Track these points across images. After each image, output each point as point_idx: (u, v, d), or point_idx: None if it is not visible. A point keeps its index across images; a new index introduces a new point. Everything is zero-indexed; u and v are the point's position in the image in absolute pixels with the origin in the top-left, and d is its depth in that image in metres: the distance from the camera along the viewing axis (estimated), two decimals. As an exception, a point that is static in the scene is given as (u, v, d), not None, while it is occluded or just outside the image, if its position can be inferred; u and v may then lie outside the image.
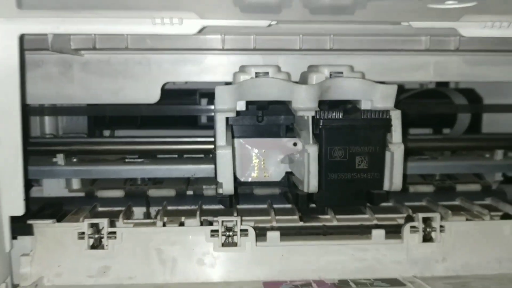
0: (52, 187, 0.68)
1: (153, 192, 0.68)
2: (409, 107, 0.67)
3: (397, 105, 0.60)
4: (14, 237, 0.52)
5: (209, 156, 0.65)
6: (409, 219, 0.56)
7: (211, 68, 0.65)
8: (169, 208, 0.62)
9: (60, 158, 0.65)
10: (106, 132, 0.84)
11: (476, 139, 0.72)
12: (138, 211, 0.64)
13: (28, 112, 0.72)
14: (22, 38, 0.47)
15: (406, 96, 0.75)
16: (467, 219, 0.57)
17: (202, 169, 0.65)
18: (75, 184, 0.69)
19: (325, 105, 0.60)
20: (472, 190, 0.68)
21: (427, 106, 0.71)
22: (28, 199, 0.51)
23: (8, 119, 0.47)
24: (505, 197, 0.67)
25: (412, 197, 0.66)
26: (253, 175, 0.61)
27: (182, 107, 0.74)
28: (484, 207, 0.61)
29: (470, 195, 0.66)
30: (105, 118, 0.78)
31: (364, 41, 0.64)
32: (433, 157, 0.69)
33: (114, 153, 0.69)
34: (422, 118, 0.82)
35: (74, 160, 0.67)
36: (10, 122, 0.48)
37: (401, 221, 0.58)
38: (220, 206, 0.62)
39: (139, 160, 0.69)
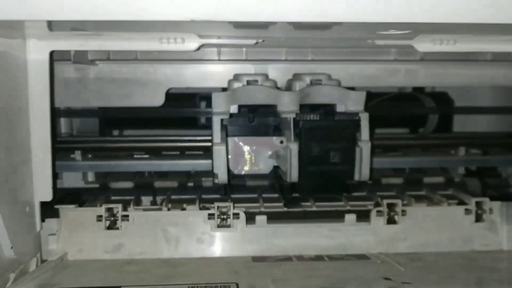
0: (71, 180, 0.76)
1: (158, 184, 0.76)
2: (380, 109, 0.77)
3: (372, 107, 0.70)
4: (43, 219, 0.60)
5: (207, 152, 0.73)
6: (377, 205, 0.66)
7: (208, 76, 0.74)
8: (173, 197, 0.71)
9: (78, 154, 0.73)
10: (115, 132, 0.93)
11: (442, 137, 0.81)
12: (146, 199, 0.72)
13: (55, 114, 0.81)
14: (52, 53, 0.56)
15: (383, 99, 0.84)
16: (427, 205, 0.67)
17: (201, 164, 0.74)
18: (90, 177, 0.77)
19: (306, 108, 0.69)
20: (437, 182, 0.77)
21: (396, 108, 0.80)
22: (55, 187, 0.60)
23: (40, 120, 0.56)
24: (466, 188, 0.76)
25: (384, 188, 0.75)
26: (245, 168, 0.70)
27: (184, 109, 0.82)
28: (446, 196, 0.70)
29: (435, 186, 0.76)
30: (115, 119, 0.87)
31: (341, 52, 0.74)
32: (404, 153, 0.78)
33: (124, 150, 0.77)
34: (401, 119, 0.91)
35: (90, 156, 0.76)
36: (42, 123, 0.57)
37: (372, 208, 0.68)
38: (217, 195, 0.72)
39: (146, 156, 0.77)
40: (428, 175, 0.77)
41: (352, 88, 0.73)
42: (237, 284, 0.49)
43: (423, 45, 0.57)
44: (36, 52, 0.55)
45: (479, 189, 0.74)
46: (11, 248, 0.52)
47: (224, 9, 0.40)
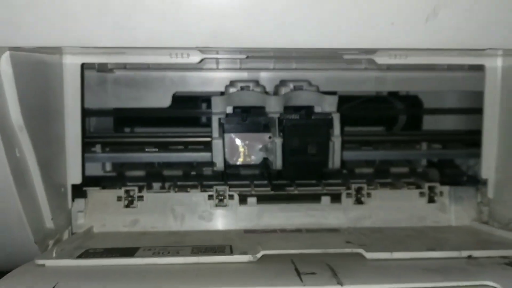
0: (92, 169, 0.89)
1: (166, 172, 0.88)
2: (354, 110, 0.90)
3: (346, 109, 0.83)
4: (73, 199, 0.73)
5: (208, 146, 0.86)
6: (348, 189, 0.79)
7: (208, 82, 0.86)
8: (179, 183, 0.83)
9: (98, 148, 0.87)
10: (127, 129, 1.06)
11: (409, 134, 0.94)
12: (156, 185, 0.84)
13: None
14: (83, 65, 0.70)
15: (360, 101, 0.97)
16: (389, 189, 0.81)
17: (202, 156, 0.85)
18: (108, 167, 0.90)
19: (291, 108, 0.83)
20: (402, 172, 0.90)
21: (367, 109, 0.93)
22: (84, 173, 0.74)
23: (73, 119, 0.70)
24: (428, 177, 0.89)
25: (356, 176, 0.87)
26: (239, 159, 0.83)
27: (187, 110, 0.94)
28: (407, 183, 0.83)
29: (400, 175, 0.89)
30: (128, 118, 1.00)
31: (320, 62, 0.88)
32: (375, 147, 0.91)
33: (136, 144, 0.90)
34: (378, 119, 1.04)
35: (107, 149, 0.89)
36: (74, 121, 0.70)
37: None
38: (215, 181, 0.85)
39: (155, 149, 0.88)
40: (395, 166, 0.91)
41: (334, 93, 0.87)
42: (230, 246, 0.63)
43: (382, 58, 0.70)
44: (71, 65, 0.68)
45: (438, 177, 0.87)
46: (52, 219, 0.66)
47: (220, 38, 0.53)
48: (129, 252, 0.61)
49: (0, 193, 0.57)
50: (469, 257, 0.59)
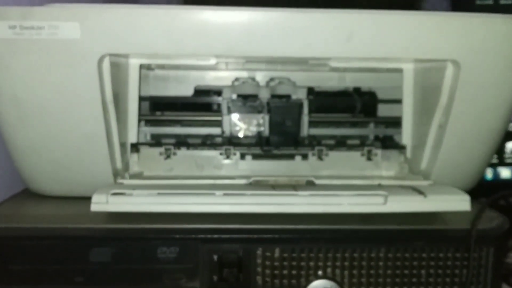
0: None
1: (190, 140, 1.23)
2: (321, 99, 1.27)
3: (316, 98, 1.21)
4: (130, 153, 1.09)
5: (219, 123, 1.21)
6: (313, 151, 1.16)
7: (220, 78, 1.19)
8: (199, 148, 1.22)
9: (142, 124, 1.25)
10: (158, 112, 1.43)
11: (361, 118, 1.32)
12: (183, 148, 1.24)
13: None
14: (140, 65, 1.07)
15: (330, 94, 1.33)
16: (341, 151, 1.17)
17: (215, 130, 1.17)
18: (148, 136, 1.29)
19: (276, 96, 1.20)
20: (354, 143, 1.27)
21: (331, 99, 1.30)
22: (138, 135, 1.11)
23: (133, 101, 1.08)
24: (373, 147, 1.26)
25: (322, 145, 1.25)
26: (241, 132, 1.22)
27: (204, 98, 1.19)
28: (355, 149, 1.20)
29: (353, 146, 1.26)
30: (161, 104, 1.37)
31: (298, 65, 1.25)
32: (337, 126, 1.28)
33: (168, 122, 1.27)
34: (346, 107, 1.40)
35: (148, 124, 1.27)
36: (134, 101, 1.08)
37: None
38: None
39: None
40: (350, 139, 1.28)
41: (312, 88, 1.25)
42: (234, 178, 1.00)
43: (333, 63, 1.07)
44: (133, 64, 1.05)
45: (379, 147, 1.24)
46: (121, 162, 1.04)
47: (230, 49, 0.90)
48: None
49: (96, 141, 0.94)
50: (379, 184, 0.97)
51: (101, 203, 0.76)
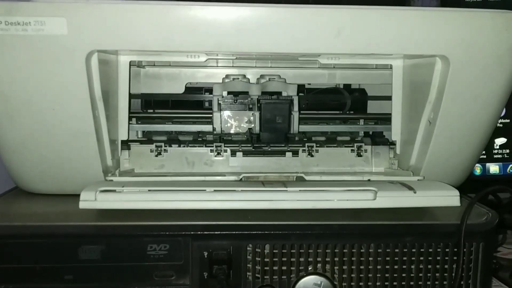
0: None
1: (181, 137, 1.25)
2: (312, 96, 1.28)
3: (307, 95, 1.21)
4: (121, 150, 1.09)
5: (210, 120, 1.21)
6: (303, 147, 1.17)
7: (211, 75, 1.15)
8: (190, 145, 1.22)
9: (133, 121, 1.24)
10: (150, 110, 1.42)
11: (352, 114, 1.32)
12: (174, 145, 1.23)
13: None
14: (130, 62, 1.07)
15: (319, 90, 1.34)
16: (331, 148, 1.17)
17: (206, 127, 1.16)
18: (139, 134, 1.28)
19: (266, 93, 1.20)
20: (345, 140, 1.27)
21: (322, 97, 1.30)
22: (128, 133, 1.11)
23: (123, 98, 1.06)
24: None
25: (312, 141, 1.25)
26: (231, 129, 1.22)
27: (195, 95, 1.21)
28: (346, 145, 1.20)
29: (343, 142, 1.26)
30: (152, 101, 1.36)
31: (288, 62, 1.25)
32: (327, 123, 1.28)
33: (159, 119, 1.26)
34: (336, 104, 1.40)
35: (139, 122, 1.26)
36: (124, 99, 1.07)
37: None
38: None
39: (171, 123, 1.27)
40: (340, 135, 1.28)
41: (303, 85, 1.25)
42: (224, 174, 1.00)
43: (323, 60, 1.08)
44: (123, 61, 1.04)
45: (370, 143, 1.24)
46: (111, 159, 1.03)
47: (220, 45, 0.90)
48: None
49: (85, 138, 0.94)
50: (369, 180, 0.97)
51: (90, 200, 0.76)
